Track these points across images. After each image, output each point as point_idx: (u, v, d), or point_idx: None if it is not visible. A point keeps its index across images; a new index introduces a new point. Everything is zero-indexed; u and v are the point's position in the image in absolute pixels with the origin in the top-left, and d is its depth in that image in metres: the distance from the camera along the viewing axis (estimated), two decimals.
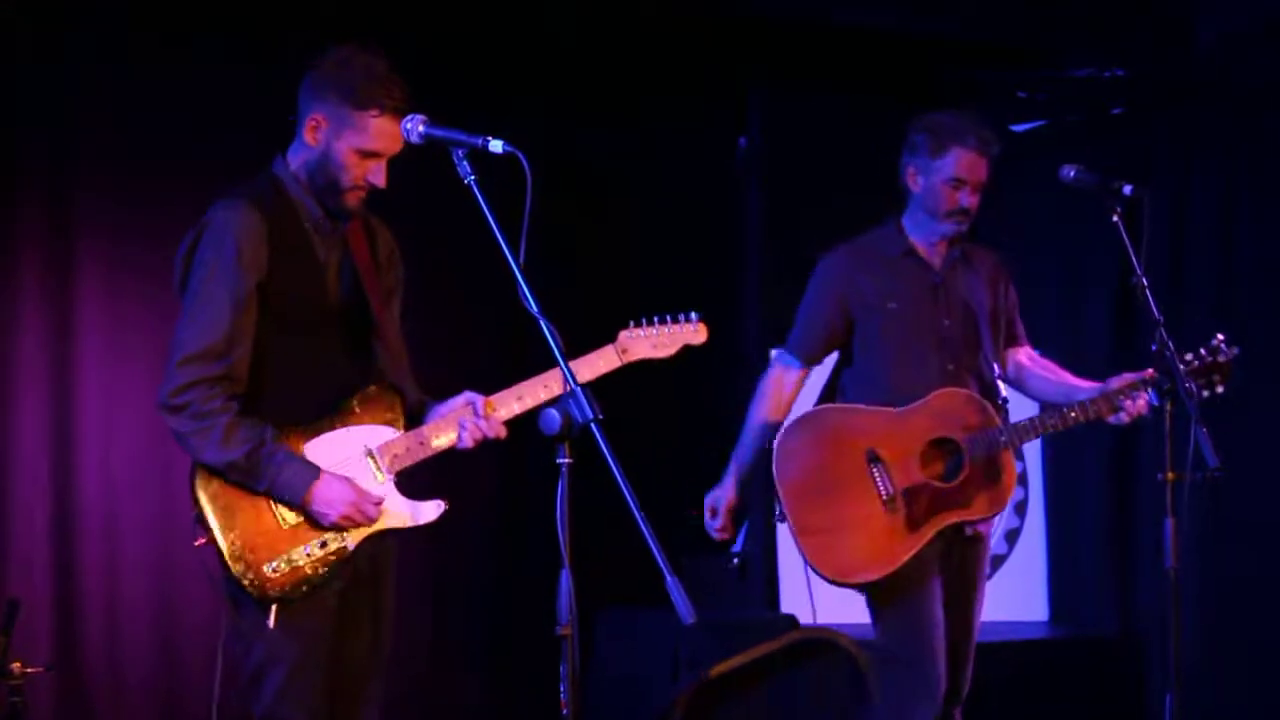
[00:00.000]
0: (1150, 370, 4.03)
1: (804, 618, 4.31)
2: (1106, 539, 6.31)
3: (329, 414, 3.42)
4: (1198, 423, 3.75)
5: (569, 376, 2.82)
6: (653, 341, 3.64)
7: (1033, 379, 4.40)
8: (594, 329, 3.58)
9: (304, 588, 3.33)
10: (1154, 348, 3.90)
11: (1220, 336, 4.08)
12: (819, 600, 4.25)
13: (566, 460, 2.80)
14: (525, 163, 2.91)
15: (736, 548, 4.48)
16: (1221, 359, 4.06)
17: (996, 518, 4.27)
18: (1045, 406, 4.27)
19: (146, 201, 5.10)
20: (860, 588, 4.20)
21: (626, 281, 5.86)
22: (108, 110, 5.12)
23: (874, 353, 4.27)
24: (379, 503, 3.38)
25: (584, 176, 5.85)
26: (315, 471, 3.32)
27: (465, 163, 2.96)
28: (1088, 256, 6.29)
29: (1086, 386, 4.22)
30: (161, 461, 4.99)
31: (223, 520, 3.31)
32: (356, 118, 3.35)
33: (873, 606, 4.22)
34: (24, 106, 5.01)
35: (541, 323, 2.84)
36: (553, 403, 2.97)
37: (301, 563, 3.34)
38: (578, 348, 3.40)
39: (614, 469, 2.70)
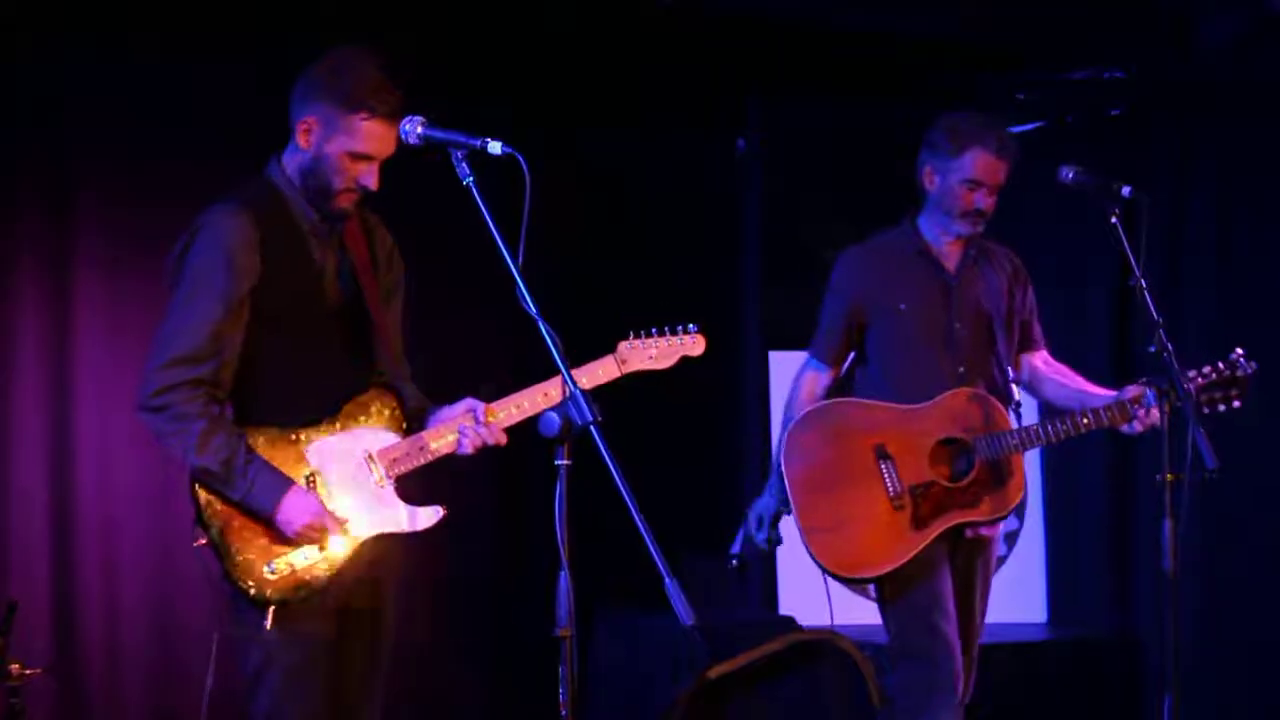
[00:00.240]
0: (1152, 386, 3.98)
1: (820, 617, 4.32)
2: (1105, 540, 6.30)
3: (329, 417, 3.42)
4: (1196, 424, 3.75)
5: (568, 378, 2.83)
6: (651, 353, 3.65)
7: (1046, 384, 4.38)
8: (593, 331, 3.59)
9: (302, 591, 3.33)
10: (1152, 349, 3.89)
11: (1239, 351, 4.04)
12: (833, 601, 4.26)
13: (565, 462, 2.80)
14: (524, 164, 2.91)
15: (735, 549, 4.47)
16: (1240, 374, 4.03)
17: (1002, 521, 4.27)
18: (1057, 412, 4.23)
19: (146, 202, 5.09)
20: (863, 582, 4.21)
21: (625, 283, 5.86)
22: (108, 110, 5.12)
23: (885, 354, 4.28)
24: (343, 523, 3.37)
25: (584, 178, 5.86)
26: (287, 484, 3.32)
27: (464, 164, 2.97)
28: (1087, 257, 6.29)
29: (1100, 394, 4.20)
30: (160, 463, 4.98)
31: (221, 522, 3.31)
32: (347, 121, 3.35)
33: (882, 602, 4.22)
34: (24, 106, 5.01)
35: (540, 324, 2.84)
36: (552, 407, 2.97)
37: (300, 566, 3.34)
38: (576, 350, 3.39)
39: (613, 471, 2.71)
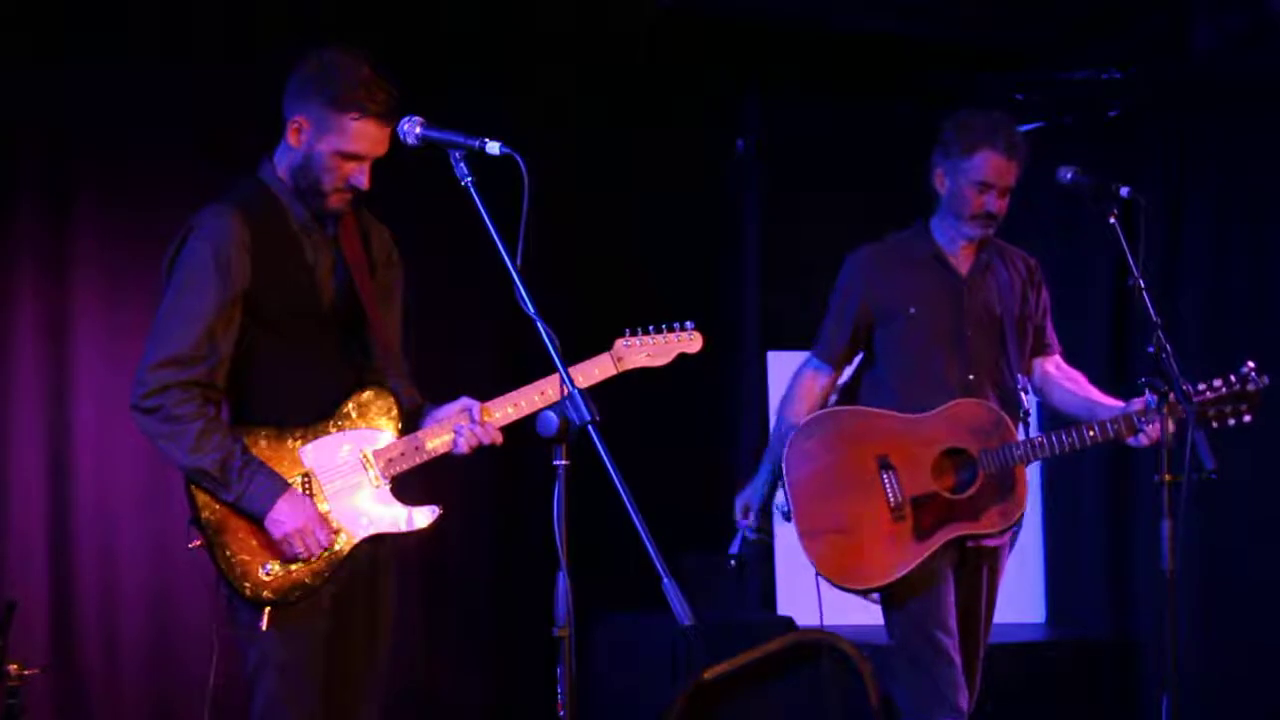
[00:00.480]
0: (1150, 388, 3.95)
1: (811, 618, 4.30)
2: (1103, 541, 6.30)
3: (325, 417, 3.42)
4: (1195, 425, 3.74)
5: (566, 378, 2.82)
6: (648, 350, 3.62)
7: (1056, 390, 4.32)
8: (592, 331, 3.58)
9: (298, 591, 3.33)
10: (1151, 349, 3.87)
11: (1250, 365, 3.97)
12: (825, 602, 4.24)
13: (563, 462, 2.79)
14: (522, 164, 2.91)
15: (734, 549, 4.46)
16: (1251, 388, 3.95)
17: (1008, 533, 4.20)
18: (1063, 422, 4.16)
19: (145, 203, 5.09)
20: (862, 593, 4.18)
21: (624, 283, 5.86)
22: (108, 110, 5.12)
23: (893, 358, 4.23)
24: (336, 531, 3.37)
25: (583, 178, 5.86)
26: (282, 488, 3.32)
27: (463, 164, 2.96)
28: (1085, 258, 6.29)
29: (1109, 404, 4.15)
30: (157, 464, 4.97)
31: (218, 523, 3.31)
32: (337, 120, 3.34)
33: (886, 609, 4.19)
34: (24, 106, 5.01)
35: (538, 324, 2.84)
36: (549, 406, 2.96)
37: (295, 566, 3.34)
38: (575, 349, 3.39)
39: (611, 471, 2.70)
